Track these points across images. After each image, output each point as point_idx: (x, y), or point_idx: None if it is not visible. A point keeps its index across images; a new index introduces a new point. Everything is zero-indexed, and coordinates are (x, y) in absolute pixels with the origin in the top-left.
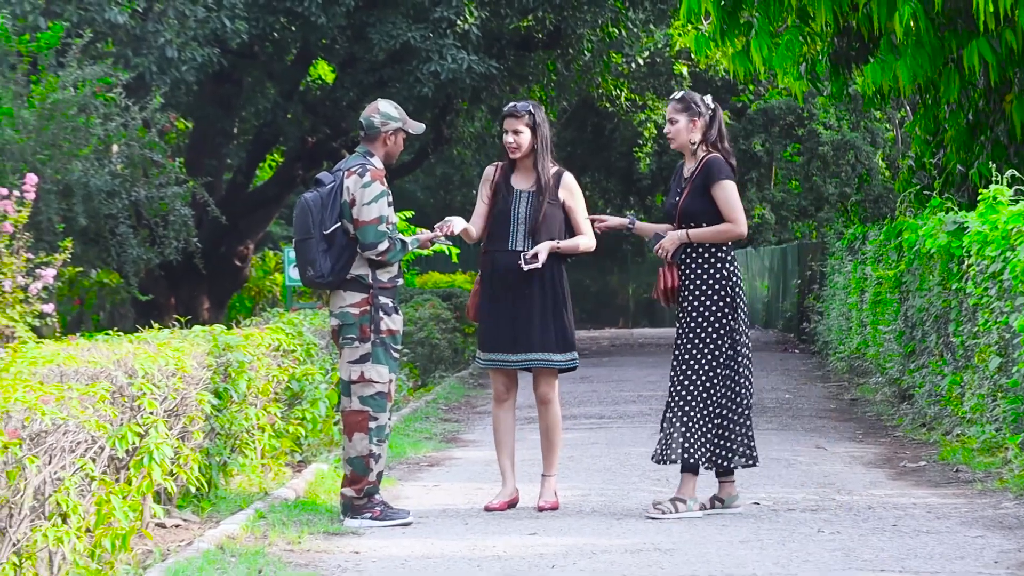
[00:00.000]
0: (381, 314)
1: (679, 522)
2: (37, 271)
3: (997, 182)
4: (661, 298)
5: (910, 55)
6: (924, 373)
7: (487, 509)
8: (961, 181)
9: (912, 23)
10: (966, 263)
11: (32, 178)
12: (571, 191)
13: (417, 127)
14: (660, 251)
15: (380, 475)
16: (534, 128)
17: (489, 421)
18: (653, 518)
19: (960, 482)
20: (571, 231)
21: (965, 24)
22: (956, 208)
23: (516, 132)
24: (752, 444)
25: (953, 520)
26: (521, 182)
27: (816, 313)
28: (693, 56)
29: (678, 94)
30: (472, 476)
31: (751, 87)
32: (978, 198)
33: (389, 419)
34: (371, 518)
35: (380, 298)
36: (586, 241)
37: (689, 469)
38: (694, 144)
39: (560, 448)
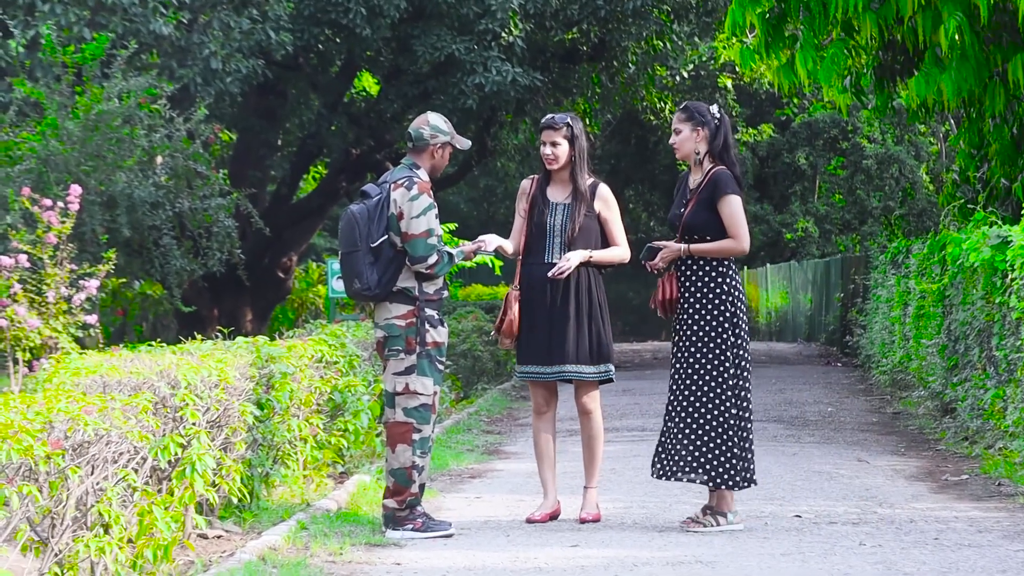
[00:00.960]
0: (427, 326)
1: (720, 535)
2: (80, 282)
3: None
4: (659, 308)
5: (955, 68)
6: (967, 387)
7: (529, 521)
8: (1005, 195)
9: (957, 36)
10: (1010, 277)
11: (76, 189)
12: (607, 202)
13: (464, 142)
14: (658, 263)
15: (423, 487)
16: (572, 140)
17: (531, 433)
18: (694, 532)
19: (1002, 496)
20: (607, 242)
21: (1011, 37)
22: (1000, 222)
23: (554, 144)
24: (752, 462)
25: (995, 534)
26: (557, 194)
27: (859, 326)
28: (738, 69)
29: (683, 104)
30: (514, 488)
31: (795, 100)
32: (1022, 212)
33: (432, 431)
34: (413, 530)
35: (426, 310)
36: (620, 252)
37: (727, 488)
38: (699, 154)
39: (601, 459)
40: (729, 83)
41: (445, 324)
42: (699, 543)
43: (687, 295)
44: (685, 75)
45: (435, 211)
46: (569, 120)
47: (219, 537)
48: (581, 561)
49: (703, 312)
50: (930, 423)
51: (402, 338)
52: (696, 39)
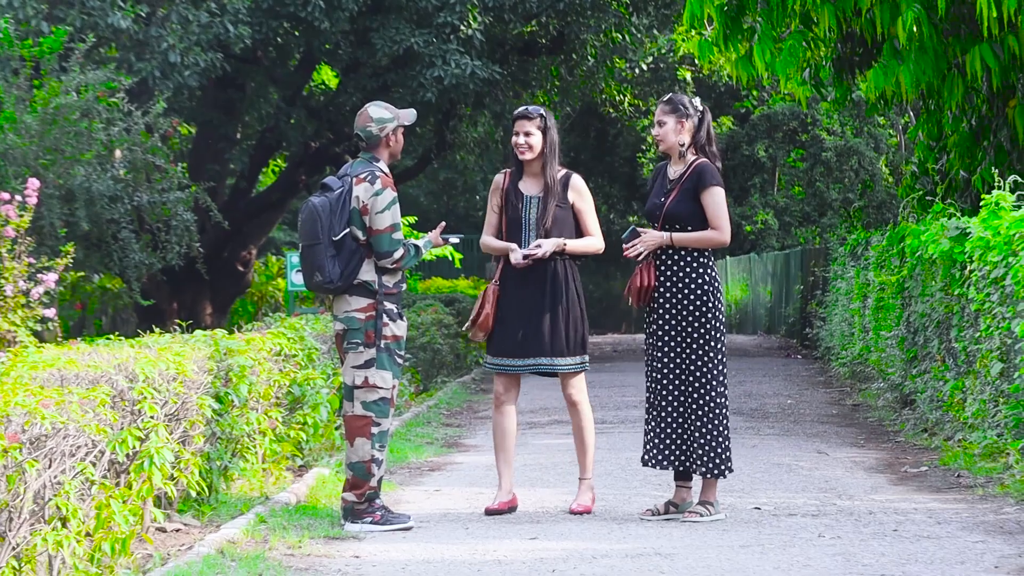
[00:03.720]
0: (386, 319)
1: (680, 527)
2: (39, 276)
3: (999, 188)
4: (633, 297)
5: (913, 60)
6: (926, 378)
7: (488, 512)
8: (964, 187)
9: (915, 28)
10: (968, 268)
11: (34, 183)
12: (580, 193)
13: (409, 115)
14: (640, 248)
15: (381, 480)
16: (544, 131)
17: (490, 426)
18: (693, 522)
19: (961, 487)
20: (581, 233)
21: (968, 29)
22: (959, 214)
23: (527, 134)
24: (730, 451)
25: (954, 525)
26: (530, 187)
27: (819, 319)
28: (696, 61)
29: (666, 96)
30: (473, 481)
31: (755, 93)
32: (981, 204)
33: (391, 425)
34: (372, 522)
35: (385, 303)
36: (595, 242)
37: (719, 476)
38: (683, 146)
39: (593, 450)
40: (688, 76)
41: (404, 318)
42: (658, 535)
43: (668, 285)
44: (644, 68)
45: (397, 205)
46: (543, 112)
47: (177, 530)
48: (540, 553)
49: (684, 303)
50: (889, 415)
51: (361, 331)
52: (655, 31)
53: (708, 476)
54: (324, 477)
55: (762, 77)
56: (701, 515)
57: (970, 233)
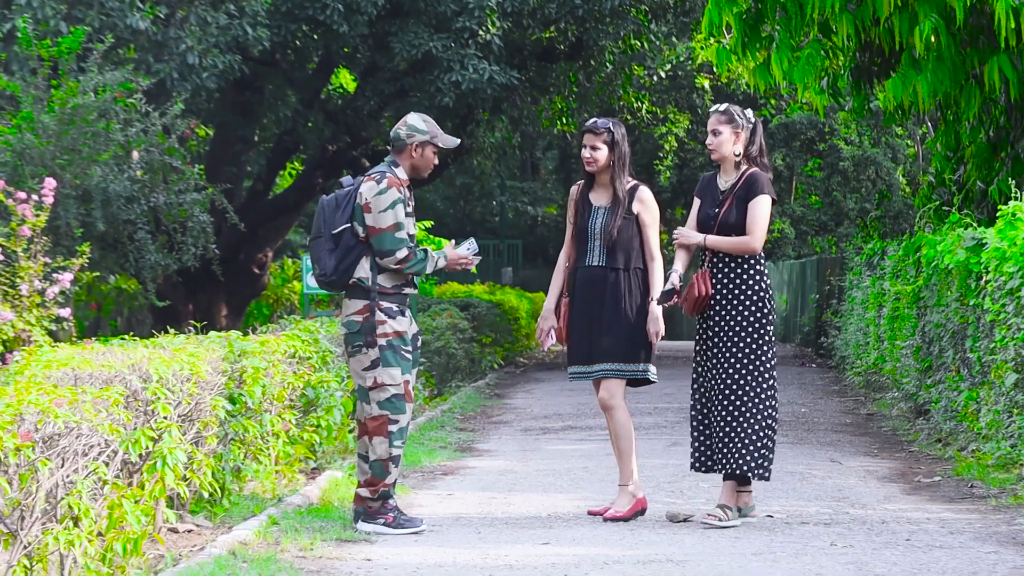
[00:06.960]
0: (383, 316)
1: (692, 534)
2: (54, 275)
3: (1016, 199)
4: (687, 305)
5: (931, 70)
6: (940, 389)
7: (605, 518)
8: (981, 197)
9: (933, 38)
10: (984, 279)
11: (50, 182)
12: (645, 204)
13: (449, 141)
14: (678, 239)
15: (396, 480)
16: (612, 145)
17: (504, 431)
18: (711, 526)
19: (974, 498)
20: (644, 245)
21: (986, 40)
22: (975, 224)
23: (594, 148)
24: (764, 458)
25: (966, 535)
26: (599, 198)
27: (834, 328)
28: (715, 69)
29: (722, 106)
30: (486, 486)
31: (772, 101)
32: (997, 214)
33: (409, 420)
34: (384, 524)
35: (382, 302)
36: (658, 267)
37: (754, 480)
38: (737, 156)
39: (629, 457)
40: (706, 83)
41: (406, 314)
42: (670, 542)
43: (724, 292)
44: (662, 75)
45: (405, 207)
46: (611, 125)
47: (189, 531)
48: (552, 559)
49: (740, 309)
50: (904, 424)
51: (361, 333)
52: (674, 39)
53: (752, 477)
54: (337, 480)
55: (780, 86)
56: (719, 518)
57: (986, 244)
